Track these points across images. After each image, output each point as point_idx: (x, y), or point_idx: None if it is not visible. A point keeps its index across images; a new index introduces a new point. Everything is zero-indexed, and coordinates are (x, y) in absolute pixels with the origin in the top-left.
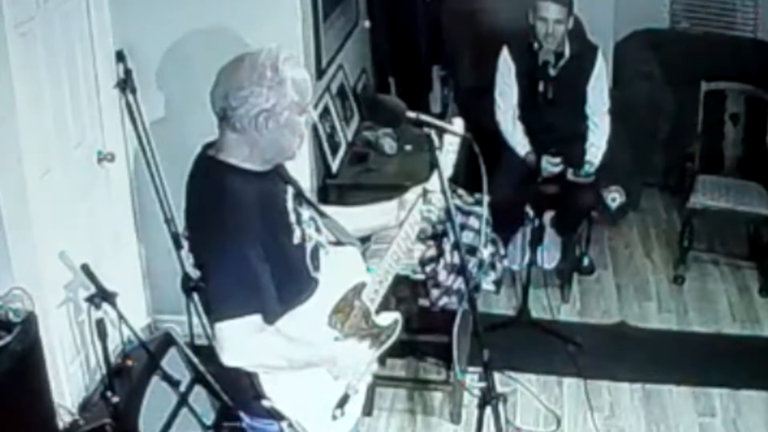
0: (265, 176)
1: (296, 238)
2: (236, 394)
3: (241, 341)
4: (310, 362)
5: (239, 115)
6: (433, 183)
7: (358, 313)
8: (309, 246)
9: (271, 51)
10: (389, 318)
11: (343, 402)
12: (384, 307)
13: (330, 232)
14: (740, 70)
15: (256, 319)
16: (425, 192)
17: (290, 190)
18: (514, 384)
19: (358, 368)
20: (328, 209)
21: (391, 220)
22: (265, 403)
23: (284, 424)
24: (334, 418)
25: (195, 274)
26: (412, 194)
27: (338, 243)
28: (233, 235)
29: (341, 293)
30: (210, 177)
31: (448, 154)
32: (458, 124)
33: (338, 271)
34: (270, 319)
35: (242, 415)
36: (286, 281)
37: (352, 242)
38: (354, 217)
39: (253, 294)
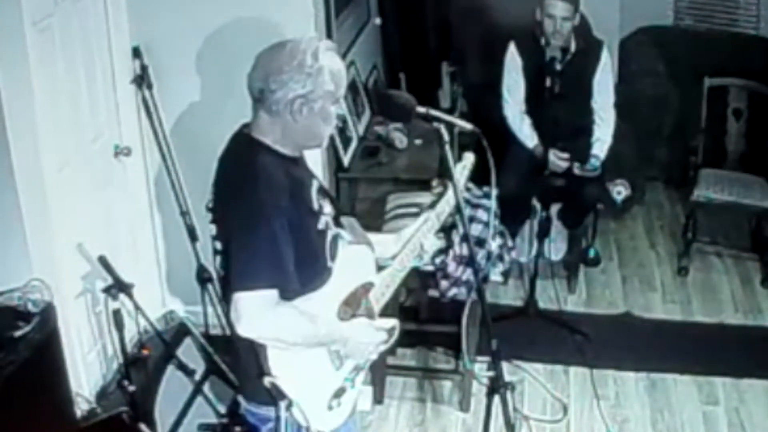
0: (294, 162)
1: (320, 224)
2: (240, 377)
3: (257, 313)
4: (322, 340)
5: (276, 98)
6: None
7: (363, 311)
8: (330, 234)
9: (312, 39)
10: (388, 324)
11: (340, 393)
12: (394, 299)
13: (347, 230)
14: (743, 66)
15: (274, 293)
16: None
17: (315, 182)
18: (521, 373)
19: (369, 348)
20: None
21: (386, 253)
22: (267, 380)
23: (282, 405)
24: (330, 408)
25: (209, 265)
26: (411, 230)
27: (353, 242)
28: (262, 210)
29: (352, 287)
30: (244, 153)
31: (458, 182)
32: (469, 157)
33: (351, 266)
34: (287, 296)
35: (240, 399)
36: (304, 263)
37: (367, 242)
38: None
39: (274, 269)
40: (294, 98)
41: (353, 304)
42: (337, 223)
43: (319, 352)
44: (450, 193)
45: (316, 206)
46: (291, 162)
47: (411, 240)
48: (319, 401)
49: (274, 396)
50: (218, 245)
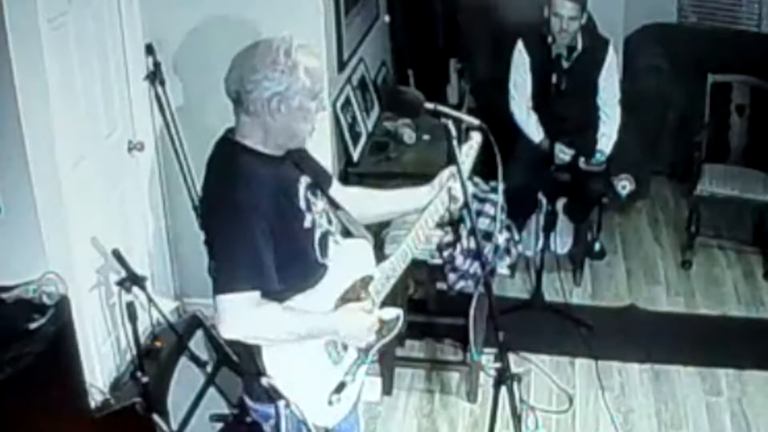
0: (279, 161)
1: (307, 223)
2: (242, 374)
3: (239, 315)
4: (311, 333)
5: (252, 98)
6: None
7: (363, 304)
8: (318, 232)
9: (284, 38)
10: (392, 313)
11: (340, 388)
12: (402, 290)
13: (343, 224)
14: (745, 62)
15: (255, 294)
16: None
17: (304, 179)
18: (528, 364)
19: (361, 332)
20: (355, 190)
21: (415, 205)
22: (264, 380)
23: (281, 404)
24: (330, 403)
25: None
26: (445, 174)
27: (349, 235)
28: (241, 212)
29: (349, 282)
30: (225, 155)
31: (464, 164)
32: (475, 137)
33: (348, 261)
34: (275, 296)
35: (245, 397)
36: (291, 262)
37: (364, 236)
38: (380, 200)
39: (254, 270)
40: (270, 96)
41: (352, 299)
42: (330, 218)
43: (315, 349)
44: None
45: (303, 204)
46: (275, 161)
47: (444, 187)
48: (319, 397)
49: (271, 396)
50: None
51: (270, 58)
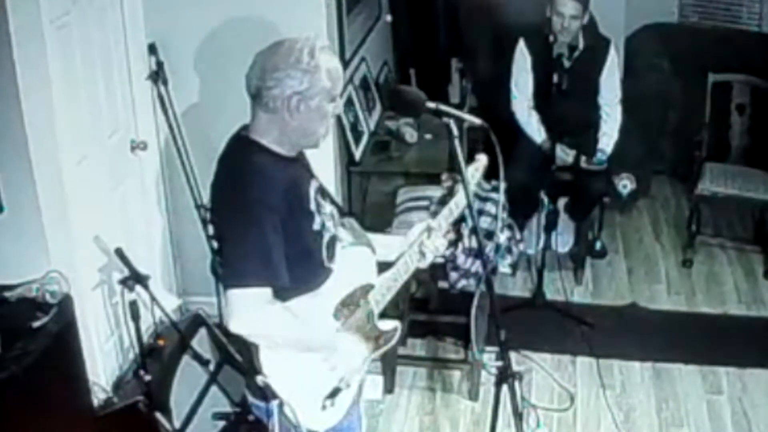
0: (292, 162)
1: (316, 225)
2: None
3: (249, 310)
4: (310, 345)
5: (273, 95)
6: (438, 221)
7: (362, 312)
8: (327, 235)
9: (308, 38)
10: (390, 324)
11: (334, 393)
12: (405, 290)
13: (347, 231)
14: (746, 62)
15: (267, 291)
16: (429, 229)
17: (314, 182)
18: (529, 363)
19: (352, 363)
20: None
21: (391, 254)
22: (259, 379)
23: (274, 404)
24: (324, 408)
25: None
26: (417, 230)
27: (353, 243)
28: (254, 208)
29: (350, 288)
30: (239, 152)
31: (469, 184)
32: (482, 159)
33: (351, 267)
34: (279, 294)
35: (247, 393)
36: (299, 263)
37: (368, 244)
38: None
39: (265, 266)
40: (291, 95)
41: (351, 305)
42: (337, 223)
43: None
44: (458, 196)
45: (313, 206)
46: (288, 162)
47: (415, 242)
48: (312, 401)
49: (265, 394)
50: (215, 244)
51: (294, 56)
